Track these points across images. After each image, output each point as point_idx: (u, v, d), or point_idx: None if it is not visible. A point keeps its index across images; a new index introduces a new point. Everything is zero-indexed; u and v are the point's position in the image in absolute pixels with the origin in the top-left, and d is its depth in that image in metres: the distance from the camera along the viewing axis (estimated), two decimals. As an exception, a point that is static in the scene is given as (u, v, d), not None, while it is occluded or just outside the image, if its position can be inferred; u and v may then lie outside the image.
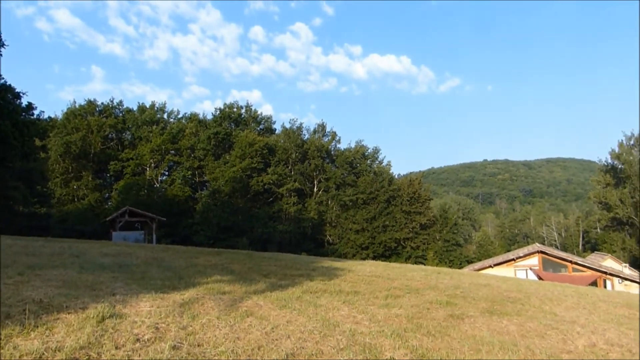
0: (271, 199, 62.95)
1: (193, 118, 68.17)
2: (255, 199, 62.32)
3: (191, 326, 5.37)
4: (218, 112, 68.93)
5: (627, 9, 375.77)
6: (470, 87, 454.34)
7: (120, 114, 65.05)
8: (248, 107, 71.43)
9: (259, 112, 72.55)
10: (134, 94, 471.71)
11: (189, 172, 61.14)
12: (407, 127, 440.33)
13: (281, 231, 58.65)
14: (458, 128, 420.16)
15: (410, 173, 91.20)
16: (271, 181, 61.20)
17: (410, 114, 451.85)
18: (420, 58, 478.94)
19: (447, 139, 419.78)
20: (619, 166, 78.00)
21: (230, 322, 5.72)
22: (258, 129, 70.82)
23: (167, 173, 63.44)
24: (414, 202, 67.09)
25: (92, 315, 5.25)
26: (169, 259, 12.57)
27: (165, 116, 68.09)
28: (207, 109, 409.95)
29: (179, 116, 69.74)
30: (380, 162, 73.47)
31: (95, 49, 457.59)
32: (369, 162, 72.46)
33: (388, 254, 62.49)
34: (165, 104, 69.03)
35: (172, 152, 62.02)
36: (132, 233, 36.52)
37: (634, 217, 73.17)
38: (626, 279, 31.16)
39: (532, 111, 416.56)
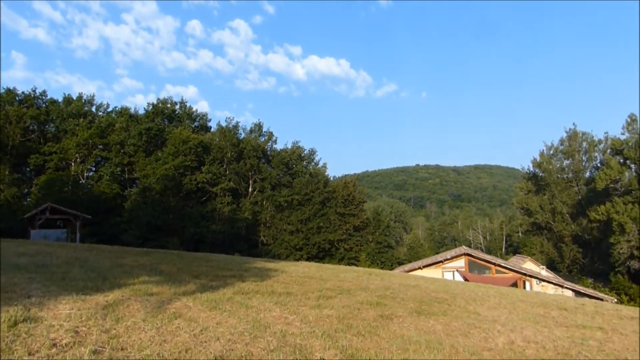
0: (204, 198, 61.71)
1: (124, 112, 65.47)
2: (187, 197, 60.85)
3: (115, 329, 5.13)
4: (151, 107, 66.66)
5: (560, 21, 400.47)
6: (405, 93, 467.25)
7: (44, 105, 61.35)
8: (183, 103, 69.68)
9: (194, 109, 70.97)
10: (60, 84, 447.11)
11: (118, 169, 58.67)
12: (343, 130, 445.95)
13: (214, 231, 57.60)
14: (393, 133, 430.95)
15: (345, 175, 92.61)
16: (205, 180, 60.00)
17: (347, 117, 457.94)
18: (359, 62, 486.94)
19: (382, 143, 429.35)
20: (540, 174, 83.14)
21: (157, 324, 5.53)
22: (192, 126, 69.20)
23: (94, 169, 60.52)
24: (348, 204, 68.08)
25: (2, 320, 4.89)
26: (93, 259, 12.00)
27: (93, 109, 64.99)
28: (139, 103, 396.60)
29: (109, 110, 66.79)
30: (316, 164, 74.00)
31: (15, 33, 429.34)
32: (304, 163, 72.72)
33: (322, 255, 62.98)
34: (93, 96, 66.03)
35: (100, 147, 59.25)
36: (53, 231, 34.44)
37: (551, 223, 78.25)
38: (543, 280, 33.18)
39: (463, 119, 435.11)
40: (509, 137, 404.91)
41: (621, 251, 58.75)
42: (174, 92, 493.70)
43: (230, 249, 52.31)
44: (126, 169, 60.09)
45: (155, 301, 6.78)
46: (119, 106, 68.59)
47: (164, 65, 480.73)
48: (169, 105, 67.63)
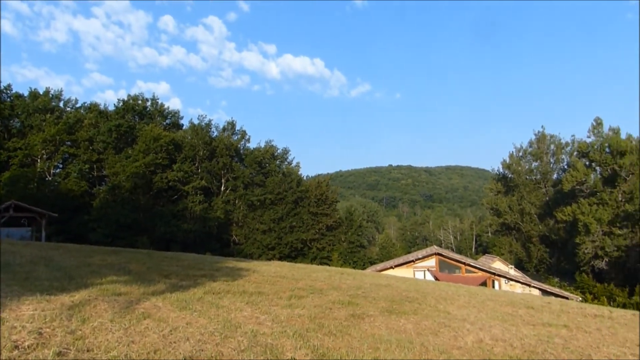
0: (176, 196, 60.92)
1: (93, 108, 64.13)
2: (158, 196, 59.96)
3: (80, 330, 5.00)
4: (121, 103, 65.46)
5: (533, 25, 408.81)
6: (379, 94, 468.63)
7: (8, 99, 59.56)
8: (154, 100, 68.63)
9: (165, 106, 70.07)
10: (26, 78, 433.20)
11: (87, 166, 57.42)
12: (317, 129, 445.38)
13: (185, 230, 56.93)
14: (366, 133, 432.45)
15: (319, 175, 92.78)
16: (176, 178, 59.24)
17: (321, 117, 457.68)
18: (333, 62, 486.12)
19: (356, 143, 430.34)
20: (509, 175, 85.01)
21: (125, 324, 5.41)
22: (164, 123, 68.25)
23: (61, 166, 59.08)
24: (321, 204, 68.22)
25: (-38, 320, 4.71)
26: (59, 258, 11.70)
27: (61, 104, 63.43)
28: (109, 99, 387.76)
29: (77, 105, 65.39)
30: (290, 163, 73.99)
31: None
32: (278, 162, 72.59)
33: (294, 254, 62.94)
34: (61, 91, 64.24)
35: (68, 143, 57.88)
36: (17, 230, 33.46)
37: (520, 223, 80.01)
38: (511, 280, 33.88)
39: (435, 120, 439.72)
40: (479, 139, 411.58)
41: (586, 251, 60.51)
42: (145, 88, 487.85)
43: (202, 249, 51.80)
44: (95, 166, 58.87)
45: (124, 301, 6.64)
46: (88, 102, 67.27)
47: (135, 61, 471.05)
48: (139, 102, 66.50)
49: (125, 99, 66.13)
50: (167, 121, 69.59)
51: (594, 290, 49.58)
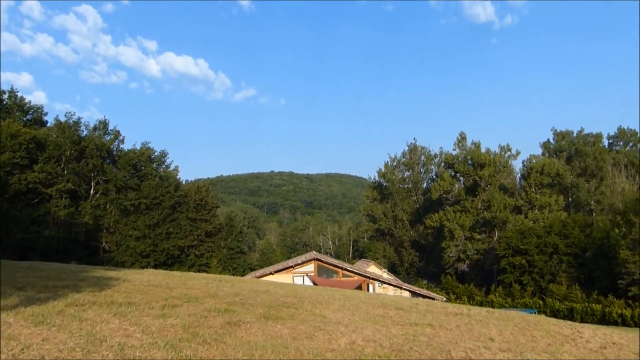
0: (36, 200, 55.38)
1: (-64, 98, 56.23)
2: (15, 199, 54.03)
3: None
4: (-28, 94, 58.19)
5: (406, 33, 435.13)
6: (264, 99, 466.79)
7: None
8: (13, 92, 61.79)
9: (27, 100, 63.47)
10: None
11: None
12: (198, 132, 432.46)
13: (47, 237, 51.96)
14: (249, 138, 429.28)
15: (199, 180, 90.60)
16: (37, 180, 53.85)
17: (203, 120, 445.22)
18: (218, 64, 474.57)
19: (238, 148, 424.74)
20: (384, 184, 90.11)
21: (-35, 345, 4.77)
22: (24, 119, 61.85)
23: None
24: (200, 210, 66.56)
25: None
26: None
27: None
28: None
29: None
30: (167, 167, 71.17)
31: None
32: (155, 165, 69.40)
33: (170, 262, 60.51)
34: None
35: None
36: None
37: (393, 229, 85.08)
38: (384, 283, 35.81)
39: (317, 128, 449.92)
40: (358, 148, 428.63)
41: (451, 254, 66.05)
42: (3, 79, 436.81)
43: (67, 257, 47.70)
44: (-64, 164, 51.56)
45: (-35, 318, 5.86)
46: None
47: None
48: (-5, 94, 59.62)
49: (-22, 90, 58.89)
50: (28, 116, 63.16)
51: (456, 291, 54.30)
